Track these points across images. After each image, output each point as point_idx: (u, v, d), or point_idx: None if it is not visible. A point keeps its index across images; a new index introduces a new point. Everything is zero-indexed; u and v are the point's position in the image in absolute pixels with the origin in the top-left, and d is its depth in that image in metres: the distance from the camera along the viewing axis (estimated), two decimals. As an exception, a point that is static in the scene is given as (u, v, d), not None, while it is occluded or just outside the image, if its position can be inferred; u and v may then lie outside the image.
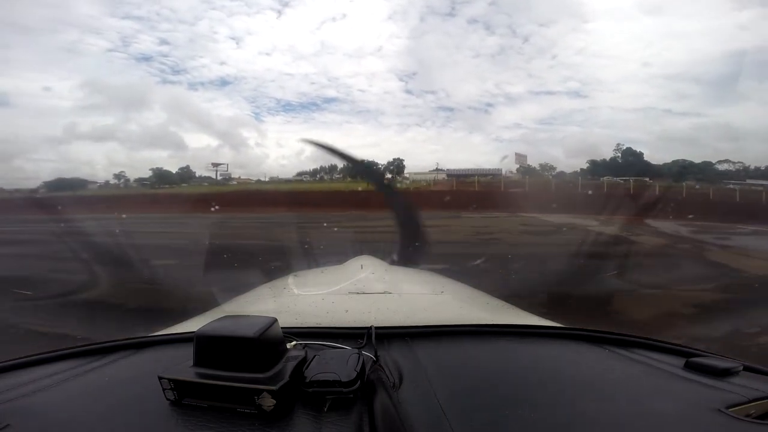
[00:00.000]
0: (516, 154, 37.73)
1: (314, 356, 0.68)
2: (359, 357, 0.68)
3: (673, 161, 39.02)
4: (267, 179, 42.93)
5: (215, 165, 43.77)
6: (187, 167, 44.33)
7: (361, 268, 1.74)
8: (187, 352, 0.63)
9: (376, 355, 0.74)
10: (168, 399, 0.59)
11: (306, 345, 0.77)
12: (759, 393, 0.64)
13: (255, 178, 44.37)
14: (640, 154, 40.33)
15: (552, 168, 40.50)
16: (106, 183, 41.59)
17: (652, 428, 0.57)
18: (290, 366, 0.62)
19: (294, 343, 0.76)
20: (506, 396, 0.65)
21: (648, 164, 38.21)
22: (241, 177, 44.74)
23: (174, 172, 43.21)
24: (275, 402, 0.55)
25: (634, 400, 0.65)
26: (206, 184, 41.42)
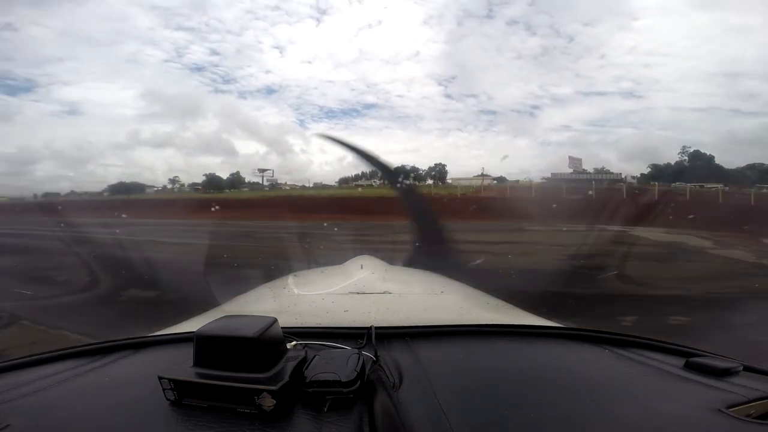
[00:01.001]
0: (570, 157, 35.39)
1: (314, 356, 0.68)
2: (359, 357, 0.68)
3: (747, 165, 35.25)
4: (311, 185, 43.84)
5: (261, 171, 45.00)
6: (237, 173, 46.08)
7: (361, 268, 1.74)
8: (187, 352, 0.63)
9: (376, 355, 0.74)
10: (168, 399, 0.59)
11: (306, 345, 0.77)
12: (759, 393, 0.64)
13: (300, 184, 45.25)
14: (711, 158, 36.89)
15: (608, 172, 37.20)
16: (163, 187, 44.20)
17: (652, 428, 0.57)
18: (290, 366, 0.62)
19: (294, 343, 0.76)
20: (506, 396, 0.65)
21: (720, 168, 34.61)
22: (287, 183, 45.98)
23: (225, 177, 44.96)
24: (275, 402, 0.55)
25: (634, 400, 0.65)
26: (246, 189, 42.73)
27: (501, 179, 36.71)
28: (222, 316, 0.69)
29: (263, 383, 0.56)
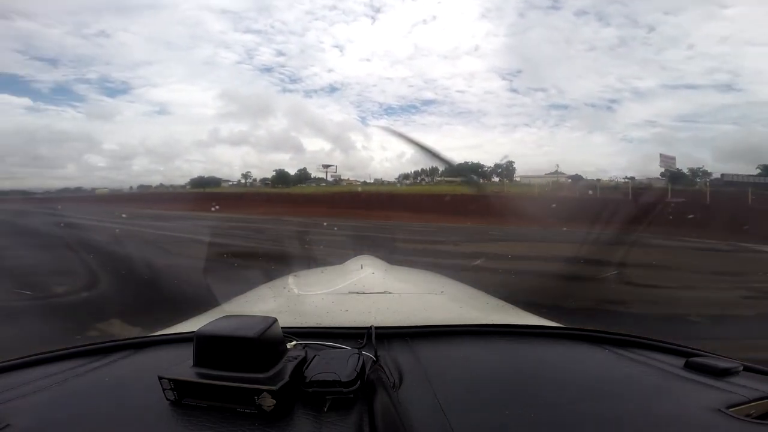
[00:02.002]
0: (661, 155, 28.62)
1: (314, 356, 0.68)
2: (359, 357, 0.68)
3: None
4: (372, 181, 44.04)
5: (325, 167, 45.60)
6: (304, 169, 47.32)
7: (361, 268, 1.74)
8: (187, 352, 0.63)
9: (376, 355, 0.74)
10: (168, 399, 0.58)
11: (306, 345, 0.77)
12: (759, 393, 0.64)
13: (362, 180, 45.60)
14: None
15: (706, 173, 31.84)
16: (237, 182, 46.62)
17: (652, 428, 0.57)
18: (290, 366, 0.62)
19: (294, 343, 0.76)
20: (506, 396, 0.65)
21: None
22: (350, 179, 46.54)
23: (292, 173, 46.38)
24: (275, 402, 0.55)
25: (634, 400, 0.65)
26: (314, 184, 43.99)
27: (576, 178, 34.29)
28: (222, 316, 0.69)
29: (263, 383, 0.56)
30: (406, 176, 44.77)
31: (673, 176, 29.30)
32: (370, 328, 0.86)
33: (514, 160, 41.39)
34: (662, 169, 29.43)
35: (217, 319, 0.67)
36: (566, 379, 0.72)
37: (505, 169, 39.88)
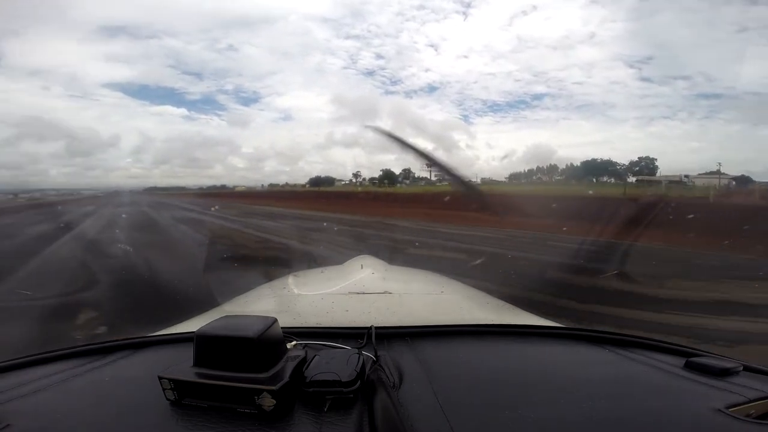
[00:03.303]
0: None
1: (314, 356, 0.68)
2: (359, 357, 0.68)
3: None
4: (478, 180, 41.51)
5: (429, 166, 45.26)
6: (408, 169, 47.62)
7: (361, 268, 1.74)
8: (187, 352, 0.63)
9: (376, 355, 0.74)
10: (168, 399, 0.58)
11: (306, 345, 0.77)
12: (759, 393, 0.64)
13: (467, 179, 44.97)
14: None
15: None
16: (349, 181, 49.11)
17: (652, 428, 0.57)
18: (290, 366, 0.62)
19: (294, 343, 0.76)
20: (506, 396, 0.65)
21: None
22: None
23: (398, 173, 47.33)
24: (275, 402, 0.55)
25: (635, 400, 0.65)
26: (422, 183, 43.69)
27: (743, 179, 26.72)
28: (222, 316, 0.69)
29: (263, 383, 0.56)
30: (516, 176, 42.52)
31: None
32: (370, 328, 0.86)
33: (656, 157, 35.73)
34: None
35: (217, 319, 0.67)
36: (566, 379, 0.72)
37: (645, 167, 33.68)
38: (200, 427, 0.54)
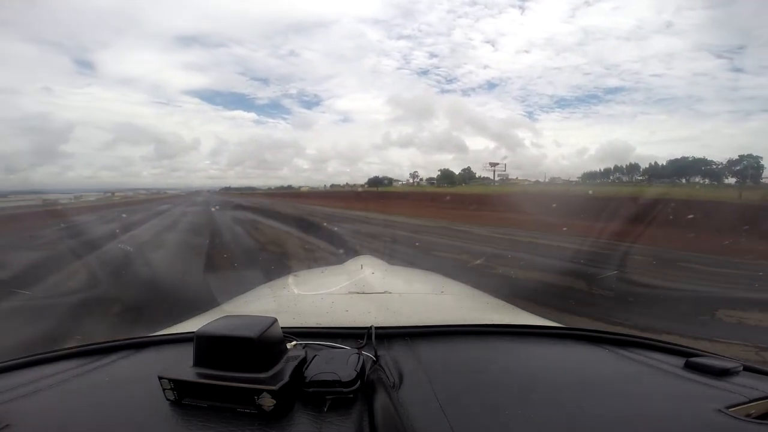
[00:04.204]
0: None
1: (314, 356, 0.68)
2: (359, 357, 0.68)
3: None
4: (546, 180, 39.29)
5: (492, 165, 43.37)
6: (468, 168, 46.86)
7: (361, 268, 1.74)
8: (187, 352, 0.63)
9: (376, 355, 0.74)
10: (168, 399, 0.58)
11: (306, 345, 0.77)
12: (759, 393, 0.64)
13: (533, 179, 41.52)
14: None
15: None
16: (406, 181, 48.47)
17: (652, 428, 0.57)
18: (290, 366, 0.62)
19: (294, 343, 0.76)
20: (506, 396, 0.65)
21: None
22: (518, 178, 43.44)
23: (457, 173, 46.41)
24: (275, 402, 0.55)
25: (634, 400, 0.65)
26: (483, 183, 42.38)
27: None
28: (222, 316, 0.69)
29: (263, 383, 0.56)
30: (593, 175, 38.13)
31: None
32: (370, 328, 0.86)
33: (760, 155, 29.37)
34: None
35: (217, 319, 0.67)
36: (566, 379, 0.73)
37: (749, 167, 28.67)
38: (200, 427, 0.54)
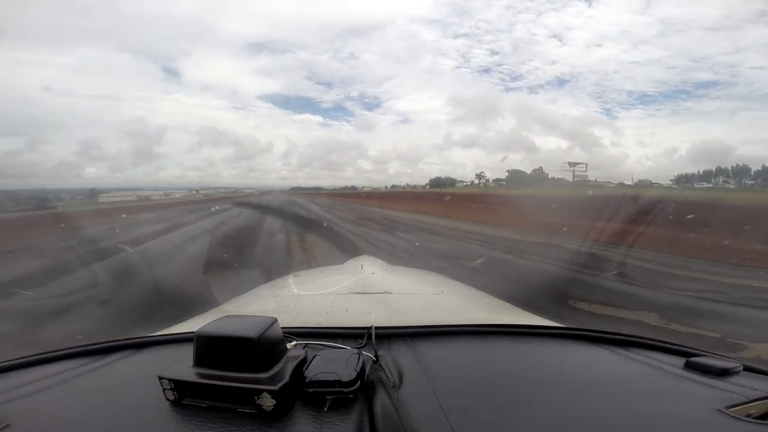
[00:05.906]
0: None
1: (314, 356, 0.68)
2: (359, 357, 0.68)
3: None
4: (633, 182, 33.16)
5: (572, 164, 37.77)
6: (540, 168, 43.30)
7: (362, 268, 1.74)
8: (187, 352, 0.63)
9: (376, 355, 0.74)
10: (168, 399, 0.59)
11: (306, 345, 0.77)
12: (759, 393, 0.64)
13: (616, 182, 35.87)
14: None
15: None
16: (471, 182, 46.12)
17: (652, 428, 0.57)
18: (290, 366, 0.62)
19: (294, 343, 0.76)
20: (506, 396, 0.65)
21: None
22: (597, 179, 38.40)
23: (527, 173, 43.27)
24: (275, 402, 0.55)
25: (634, 400, 0.65)
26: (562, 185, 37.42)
27: None
28: (222, 316, 0.69)
29: (263, 383, 0.56)
30: (686, 177, 33.66)
31: None
32: (370, 328, 0.86)
33: None
34: None
35: (217, 319, 0.67)
36: (567, 379, 0.73)
37: None
38: (200, 427, 0.54)
